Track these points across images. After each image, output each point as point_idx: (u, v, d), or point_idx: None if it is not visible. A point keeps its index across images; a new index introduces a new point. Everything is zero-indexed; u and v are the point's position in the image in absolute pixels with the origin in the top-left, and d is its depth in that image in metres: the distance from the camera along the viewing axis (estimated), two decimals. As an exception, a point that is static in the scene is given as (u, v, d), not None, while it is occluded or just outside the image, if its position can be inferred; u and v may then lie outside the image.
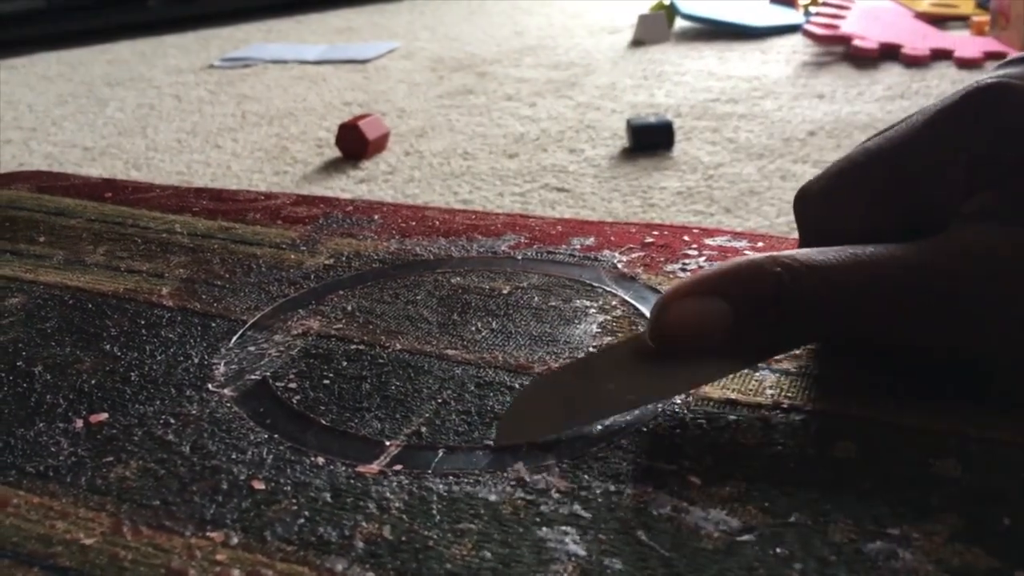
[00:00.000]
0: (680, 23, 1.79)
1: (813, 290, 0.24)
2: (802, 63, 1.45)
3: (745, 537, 0.22)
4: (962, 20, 1.65)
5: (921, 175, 0.26)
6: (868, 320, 0.25)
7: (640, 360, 0.26)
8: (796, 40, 1.61)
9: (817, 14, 1.57)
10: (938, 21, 1.63)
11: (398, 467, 0.25)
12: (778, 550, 0.21)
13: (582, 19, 1.99)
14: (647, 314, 0.33)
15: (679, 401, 0.27)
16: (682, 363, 0.25)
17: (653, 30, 1.70)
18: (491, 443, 0.26)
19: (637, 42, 1.70)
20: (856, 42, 1.44)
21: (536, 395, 0.28)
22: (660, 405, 0.27)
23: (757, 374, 0.28)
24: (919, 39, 1.46)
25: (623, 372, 0.26)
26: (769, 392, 0.27)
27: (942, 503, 0.22)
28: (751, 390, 0.28)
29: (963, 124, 0.25)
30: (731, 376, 0.28)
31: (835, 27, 1.49)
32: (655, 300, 0.25)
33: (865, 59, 1.43)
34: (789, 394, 0.27)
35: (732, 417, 0.26)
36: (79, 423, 0.28)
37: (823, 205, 0.28)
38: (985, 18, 1.54)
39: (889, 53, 1.42)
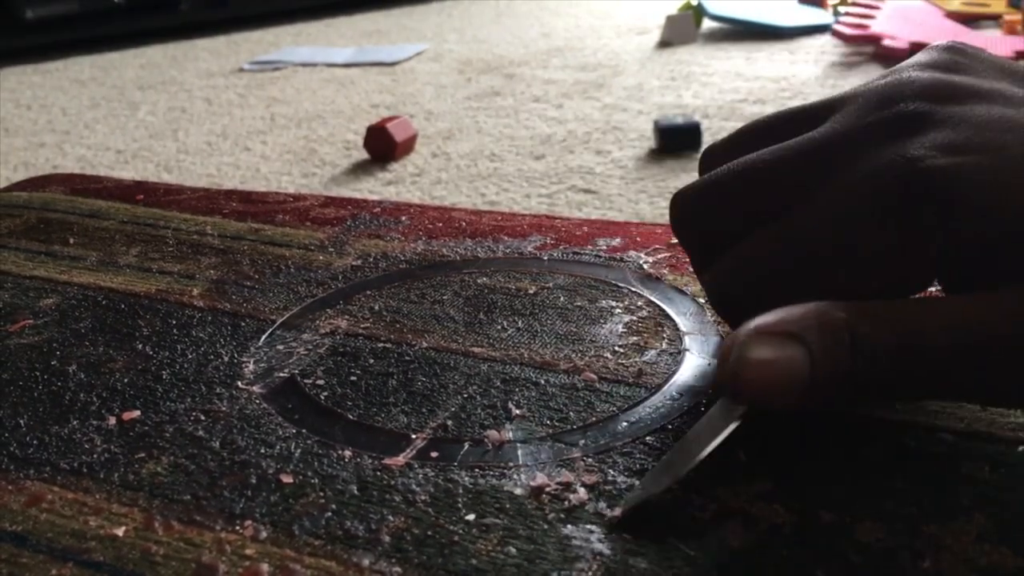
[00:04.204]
0: (708, 24, 1.78)
1: (895, 338, 0.22)
2: (831, 63, 1.44)
3: (772, 536, 0.22)
4: (993, 19, 1.63)
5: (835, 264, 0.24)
6: (957, 369, 0.22)
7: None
8: (825, 40, 1.60)
9: (846, 14, 1.56)
10: (969, 20, 1.61)
11: (424, 459, 0.26)
12: (805, 550, 0.21)
13: (610, 20, 1.98)
14: (672, 315, 0.33)
15: (706, 399, 0.27)
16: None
17: (681, 31, 1.69)
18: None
19: (664, 43, 1.70)
20: (886, 42, 1.43)
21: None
22: (685, 403, 0.27)
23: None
24: (949, 39, 1.44)
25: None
26: (795, 391, 0.27)
27: (971, 503, 0.22)
28: (777, 389, 0.28)
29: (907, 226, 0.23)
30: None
31: (865, 27, 1.48)
32: (722, 344, 0.23)
33: (895, 59, 1.41)
34: (816, 393, 0.27)
35: (761, 415, 0.26)
36: (112, 420, 0.29)
37: (696, 206, 0.28)
38: (1017, 17, 1.53)
39: (920, 53, 1.40)
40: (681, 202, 0.28)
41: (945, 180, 0.22)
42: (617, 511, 0.23)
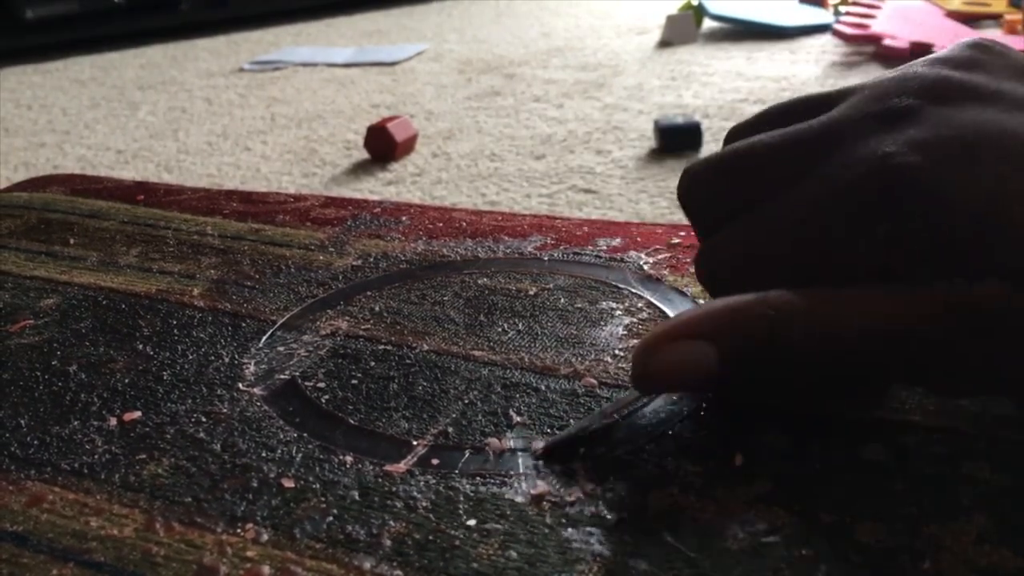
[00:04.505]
0: (708, 23, 1.78)
1: (807, 332, 0.22)
2: (831, 63, 1.45)
3: (771, 538, 0.22)
4: (994, 19, 1.63)
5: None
6: (869, 364, 0.23)
7: None
8: (825, 40, 1.60)
9: (847, 13, 1.56)
10: (970, 20, 1.61)
11: (425, 466, 0.26)
12: (804, 551, 0.21)
13: (610, 20, 1.98)
14: (672, 316, 0.33)
15: (705, 404, 0.27)
16: None
17: (681, 31, 1.70)
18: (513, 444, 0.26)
19: (665, 43, 1.70)
20: (887, 41, 1.43)
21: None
22: (685, 408, 0.27)
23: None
24: (950, 38, 1.45)
25: None
26: (796, 393, 0.27)
27: (971, 504, 0.22)
28: (778, 391, 0.28)
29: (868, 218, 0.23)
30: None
31: (865, 26, 1.48)
32: (638, 345, 0.24)
33: (896, 59, 1.42)
34: (816, 395, 0.27)
35: (758, 419, 0.26)
36: (113, 421, 0.29)
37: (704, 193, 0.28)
38: (1018, 17, 1.53)
39: (920, 53, 1.41)
40: (687, 178, 0.29)
41: (912, 177, 0.22)
42: (540, 444, 0.25)
